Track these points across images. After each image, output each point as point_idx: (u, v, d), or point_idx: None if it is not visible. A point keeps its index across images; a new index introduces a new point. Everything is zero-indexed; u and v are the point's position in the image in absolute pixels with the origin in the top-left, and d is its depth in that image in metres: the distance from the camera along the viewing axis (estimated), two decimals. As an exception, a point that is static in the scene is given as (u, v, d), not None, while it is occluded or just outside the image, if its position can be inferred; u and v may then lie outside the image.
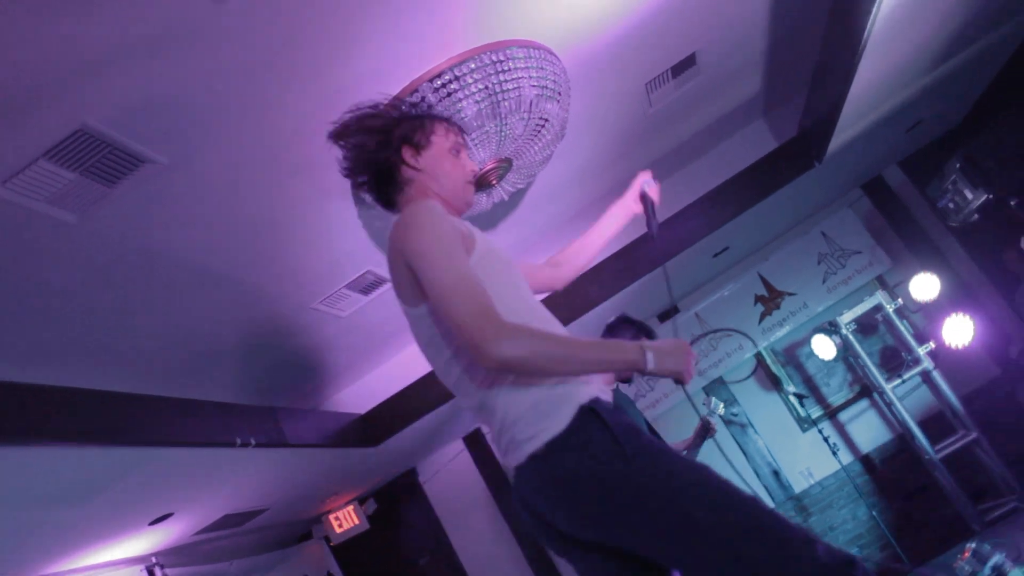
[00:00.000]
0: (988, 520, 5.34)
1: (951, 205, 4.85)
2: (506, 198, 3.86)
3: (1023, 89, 5.25)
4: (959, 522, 5.60)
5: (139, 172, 2.67)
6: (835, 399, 6.50)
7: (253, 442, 3.91)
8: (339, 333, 4.79)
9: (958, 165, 4.64)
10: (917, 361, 5.33)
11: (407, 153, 1.97)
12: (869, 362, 5.48)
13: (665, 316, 6.87)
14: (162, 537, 4.57)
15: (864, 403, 6.41)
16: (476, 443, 6.86)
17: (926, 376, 5.62)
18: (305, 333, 4.56)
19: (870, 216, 6.62)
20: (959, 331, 4.79)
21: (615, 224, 2.52)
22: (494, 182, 3.59)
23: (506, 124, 3.31)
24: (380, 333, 5.14)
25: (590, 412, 1.70)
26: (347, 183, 3.35)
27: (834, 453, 5.73)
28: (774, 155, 5.27)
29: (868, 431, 6.39)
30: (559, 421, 1.69)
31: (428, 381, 5.31)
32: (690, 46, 3.99)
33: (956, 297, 6.09)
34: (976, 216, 4.75)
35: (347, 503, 6.51)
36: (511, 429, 1.73)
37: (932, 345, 5.13)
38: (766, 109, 5.35)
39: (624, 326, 4.08)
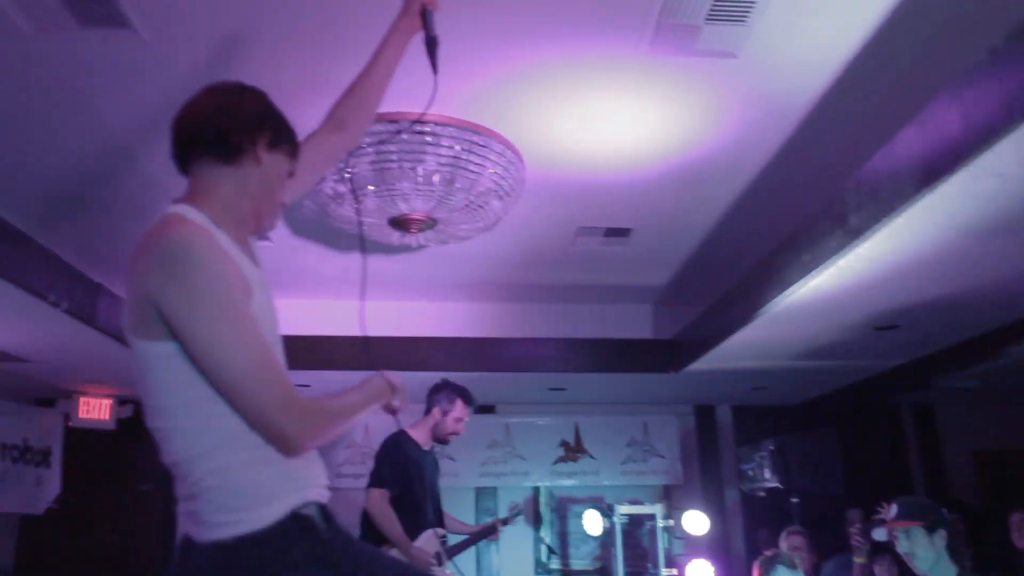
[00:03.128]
0: None
1: (750, 472, 5.37)
2: (413, 246, 4.06)
3: (844, 414, 5.94)
4: None
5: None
6: (578, 564, 6.89)
7: (64, 307, 3.86)
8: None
9: (771, 448, 5.18)
10: (655, 576, 5.77)
11: (262, 144, 1.61)
12: (620, 554, 5.88)
13: (481, 410, 7.13)
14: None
15: (599, 580, 6.83)
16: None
17: (658, 590, 6.06)
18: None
19: (687, 434, 7.16)
20: (701, 573, 5.25)
21: (397, 50, 2.19)
22: (413, 230, 3.79)
23: (452, 195, 3.53)
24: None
25: (301, 519, 1.50)
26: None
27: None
28: (644, 344, 5.71)
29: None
30: (266, 515, 1.46)
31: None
32: (634, 222, 4.36)
33: (715, 541, 6.63)
34: (762, 492, 5.26)
35: (107, 395, 6.35)
36: (200, 500, 1.46)
37: (675, 572, 5.58)
38: (659, 301, 5.81)
39: (445, 389, 4.35)
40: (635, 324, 5.77)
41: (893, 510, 3.18)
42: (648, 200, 4.08)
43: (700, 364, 5.27)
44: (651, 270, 5.14)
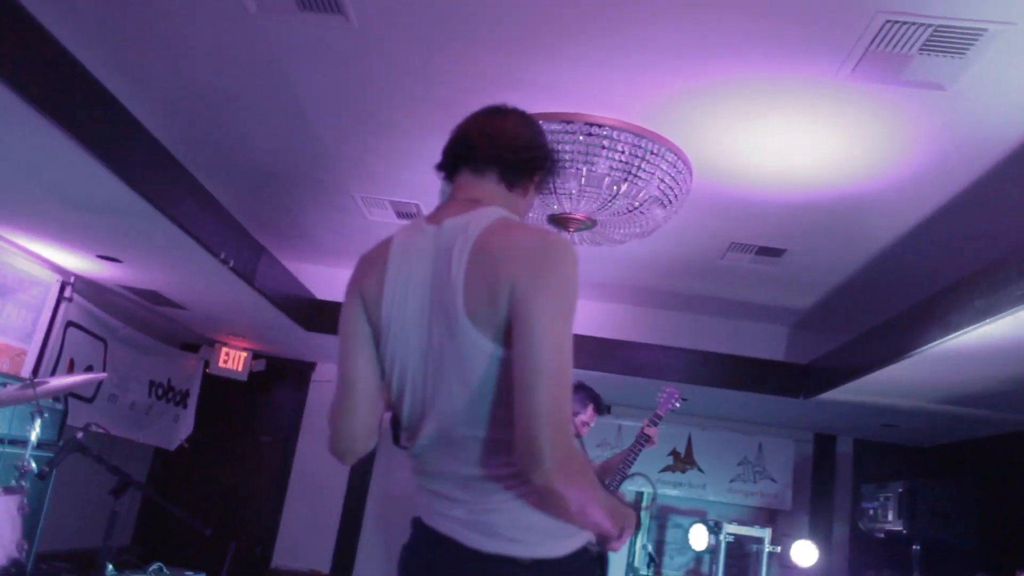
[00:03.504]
0: None
1: (871, 512, 5.20)
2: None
3: (983, 465, 5.65)
4: None
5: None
6: (670, 572, 6.84)
7: (231, 264, 4.08)
8: (352, 227, 5.00)
9: (900, 490, 4.99)
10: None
11: (536, 180, 1.72)
12: (722, 572, 5.81)
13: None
14: (95, 268, 4.71)
15: (692, 593, 6.78)
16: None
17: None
18: (329, 208, 4.76)
19: (803, 461, 6.97)
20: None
21: None
22: (571, 229, 3.82)
23: (617, 199, 3.54)
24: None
25: (592, 555, 1.55)
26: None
27: (634, 609, 6.06)
28: (776, 365, 5.59)
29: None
30: (563, 546, 1.49)
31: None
32: (789, 243, 4.27)
33: (819, 570, 6.46)
34: (882, 535, 5.09)
35: (244, 348, 6.68)
36: (496, 518, 1.47)
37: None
38: (797, 324, 5.67)
39: (580, 392, 4.32)
40: (769, 345, 5.66)
41: None
42: (809, 223, 3.98)
43: (834, 393, 5.12)
44: (796, 293, 5.03)
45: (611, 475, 4.39)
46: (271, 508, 6.89)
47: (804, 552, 5.45)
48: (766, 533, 5.84)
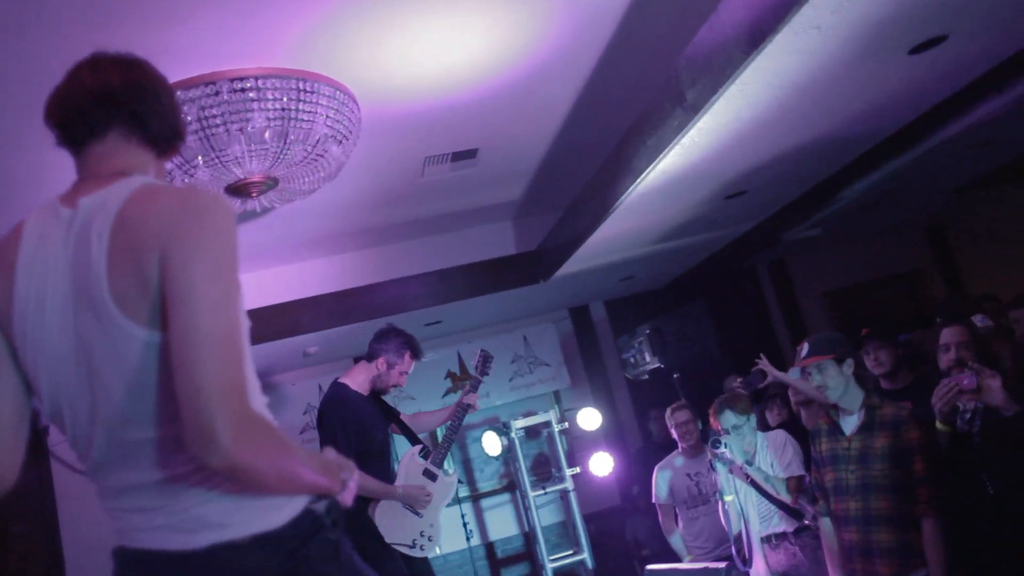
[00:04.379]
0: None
1: (632, 360, 5.56)
2: (258, 210, 3.85)
3: (709, 284, 6.23)
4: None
5: None
6: (484, 486, 7.00)
7: None
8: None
9: (648, 331, 5.37)
10: (562, 479, 5.95)
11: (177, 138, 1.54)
12: (524, 467, 6.01)
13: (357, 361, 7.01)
14: None
15: (506, 497, 6.97)
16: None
17: (564, 493, 6.28)
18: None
19: (567, 337, 7.32)
20: (603, 465, 5.46)
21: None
22: (254, 194, 3.58)
23: (288, 149, 3.34)
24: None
25: (316, 514, 1.43)
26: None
27: (467, 536, 6.16)
28: (509, 260, 5.74)
29: (502, 523, 6.94)
30: (281, 514, 1.38)
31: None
32: (479, 142, 4.30)
33: (610, 433, 6.89)
34: (646, 376, 5.47)
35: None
36: (202, 511, 1.33)
37: (578, 469, 5.76)
38: (517, 215, 5.82)
39: (395, 338, 4.13)
40: (497, 243, 5.78)
41: (804, 349, 3.35)
42: (489, 117, 4.02)
43: (567, 267, 5.35)
44: (504, 186, 5.13)
45: (426, 432, 4.31)
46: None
47: (588, 418, 5.76)
48: (550, 415, 6.09)
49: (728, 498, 3.68)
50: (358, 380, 4.04)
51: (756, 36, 2.61)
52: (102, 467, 1.37)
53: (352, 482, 1.51)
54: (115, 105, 1.44)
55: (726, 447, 3.72)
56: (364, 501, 3.84)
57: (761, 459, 3.96)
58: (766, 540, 3.94)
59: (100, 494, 1.41)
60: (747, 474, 3.87)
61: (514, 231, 5.93)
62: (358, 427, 3.81)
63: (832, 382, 3.29)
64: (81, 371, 1.34)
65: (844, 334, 3.63)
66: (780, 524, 3.92)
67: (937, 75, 3.49)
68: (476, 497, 6.95)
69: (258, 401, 1.36)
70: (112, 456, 1.35)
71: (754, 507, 3.91)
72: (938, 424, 3.22)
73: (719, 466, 3.73)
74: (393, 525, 3.92)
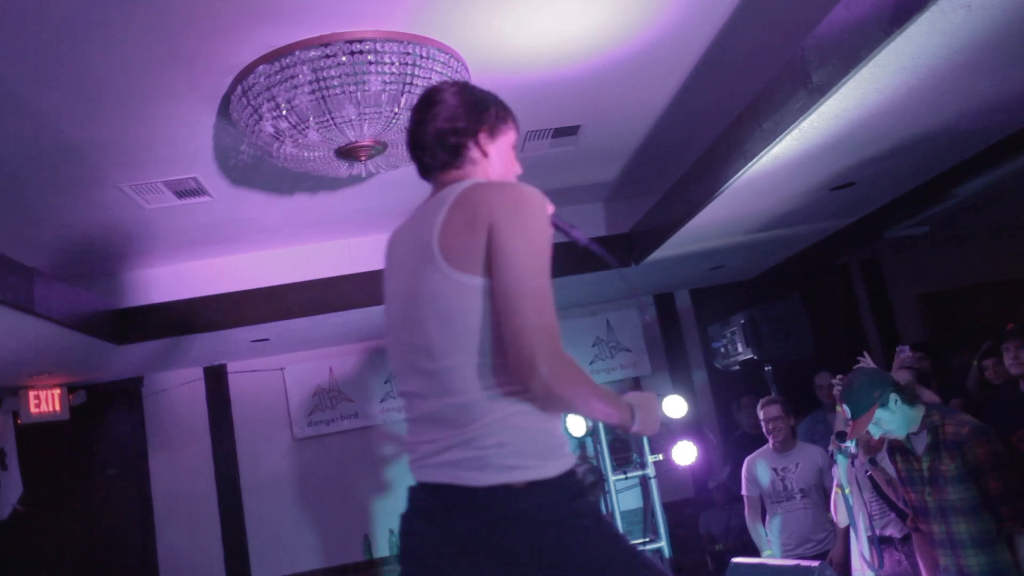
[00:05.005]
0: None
1: (723, 349, 5.45)
2: (364, 175, 3.88)
3: (801, 279, 6.05)
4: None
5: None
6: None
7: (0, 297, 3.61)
8: (131, 221, 4.56)
9: (742, 321, 5.25)
10: (644, 465, 5.89)
11: (483, 135, 1.89)
12: (606, 450, 5.96)
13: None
14: None
15: (580, 481, 6.94)
16: (217, 377, 6.66)
17: (644, 479, 6.21)
18: (98, 208, 4.30)
19: (650, 324, 7.23)
20: (686, 454, 5.37)
21: None
22: (362, 158, 3.61)
23: (401, 114, 3.35)
24: (172, 238, 4.93)
25: (582, 472, 1.74)
26: (211, 87, 3.30)
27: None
28: (601, 241, 5.65)
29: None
30: (554, 466, 1.62)
31: (205, 301, 5.23)
32: (581, 119, 4.25)
33: (689, 422, 6.78)
34: (737, 367, 5.36)
35: (56, 385, 6.05)
36: (487, 447, 1.59)
37: (660, 457, 5.68)
38: (610, 197, 5.75)
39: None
40: (590, 223, 5.71)
41: (846, 413, 3.22)
42: (595, 93, 3.95)
43: (660, 252, 5.26)
44: (601, 167, 5.06)
45: None
46: (141, 543, 6.40)
47: (673, 406, 5.65)
48: (634, 399, 6.01)
49: (846, 490, 3.56)
50: None
51: (900, 15, 2.48)
52: (411, 391, 1.73)
53: (646, 418, 1.76)
54: (436, 148, 1.90)
55: (852, 443, 3.56)
56: None
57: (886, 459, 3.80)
58: (870, 541, 3.81)
59: (407, 420, 1.78)
60: (867, 471, 3.72)
61: (605, 213, 5.86)
62: None
63: (892, 426, 3.18)
64: (404, 307, 1.74)
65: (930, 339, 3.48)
66: (890, 528, 3.79)
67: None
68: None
69: None
70: (421, 381, 1.69)
71: (865, 506, 3.76)
72: None
73: (840, 459, 3.60)
74: None
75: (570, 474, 1.66)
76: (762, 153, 3.57)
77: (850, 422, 3.22)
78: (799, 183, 4.21)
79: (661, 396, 6.03)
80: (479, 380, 1.62)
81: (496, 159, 1.92)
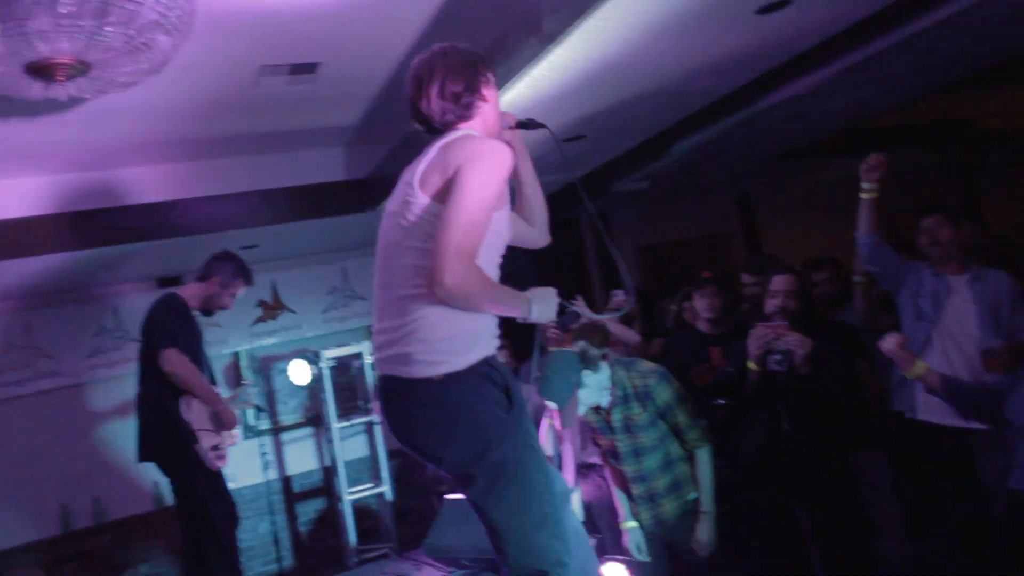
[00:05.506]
0: (362, 559, 6.11)
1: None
2: (63, 99, 3.42)
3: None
4: (340, 554, 6.30)
5: None
6: (287, 419, 6.79)
7: None
8: None
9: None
10: (369, 412, 5.90)
11: (483, 87, 2.36)
12: (331, 399, 5.88)
13: (166, 282, 6.52)
14: None
15: (309, 431, 6.80)
16: None
17: (369, 426, 6.23)
18: None
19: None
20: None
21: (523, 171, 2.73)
22: (59, 78, 3.17)
23: (105, 31, 2.97)
24: None
25: (488, 364, 2.19)
26: None
27: (264, 468, 5.98)
28: (337, 187, 5.50)
29: (302, 456, 6.77)
30: (464, 359, 2.15)
31: None
32: (320, 56, 4.04)
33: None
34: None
35: None
36: (412, 344, 2.14)
37: (384, 401, 5.72)
38: (351, 141, 5.58)
39: (230, 258, 4.49)
40: (327, 168, 5.51)
41: (551, 406, 3.31)
42: (334, 30, 3.75)
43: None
44: (341, 108, 4.87)
45: None
46: None
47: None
48: (362, 346, 5.99)
49: (549, 421, 3.78)
50: (191, 296, 4.24)
51: (623, -32, 2.59)
52: (377, 289, 2.30)
53: (539, 309, 2.18)
54: (438, 113, 2.48)
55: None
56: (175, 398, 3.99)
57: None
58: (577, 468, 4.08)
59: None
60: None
61: (345, 158, 5.68)
62: (188, 330, 4.04)
63: (590, 399, 3.52)
64: (389, 220, 2.34)
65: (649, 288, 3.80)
66: (594, 455, 4.05)
67: (775, 39, 3.66)
68: (278, 430, 6.73)
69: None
70: (381, 279, 2.29)
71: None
72: (750, 363, 3.48)
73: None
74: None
75: (479, 364, 2.17)
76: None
77: (557, 414, 3.40)
78: (531, 134, 4.31)
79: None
80: (413, 279, 2.14)
81: (492, 104, 2.38)
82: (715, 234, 8.44)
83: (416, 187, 2.17)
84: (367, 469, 6.66)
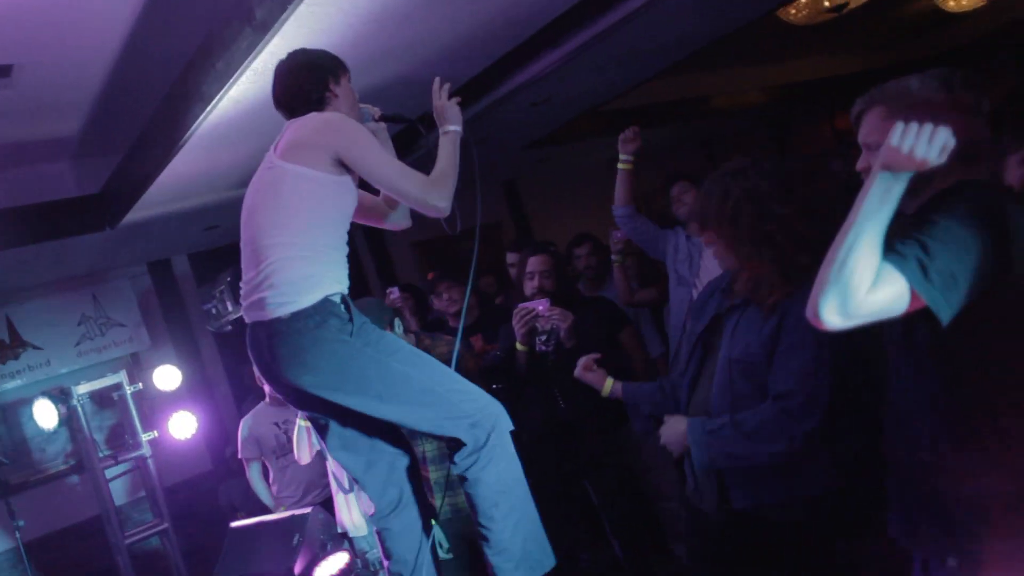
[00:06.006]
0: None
1: (213, 311, 5.19)
2: None
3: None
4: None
5: None
6: (52, 467, 6.14)
7: None
8: None
9: (228, 279, 5.05)
10: (138, 446, 5.41)
11: (332, 83, 2.67)
12: (90, 438, 5.35)
13: None
14: None
15: (78, 477, 6.17)
16: None
17: (142, 461, 5.72)
18: None
19: (146, 294, 6.68)
20: (183, 426, 5.05)
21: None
22: None
23: None
24: None
25: (329, 302, 2.39)
26: None
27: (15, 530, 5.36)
28: (68, 203, 5.00)
29: (74, 504, 6.13)
30: (308, 299, 2.35)
31: None
32: (10, 57, 3.62)
33: (198, 390, 6.44)
34: (229, 327, 5.15)
35: None
36: (265, 289, 2.37)
37: (156, 434, 5.27)
38: (78, 154, 5.10)
39: None
40: (55, 185, 5.01)
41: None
42: (27, 29, 3.38)
43: (137, 213, 4.81)
44: (51, 118, 4.42)
45: None
46: None
47: (165, 376, 5.27)
48: (120, 376, 5.50)
49: (303, 423, 3.66)
50: None
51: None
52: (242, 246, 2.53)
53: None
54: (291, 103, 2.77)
55: None
56: None
57: None
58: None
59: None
60: None
61: (75, 173, 5.18)
62: None
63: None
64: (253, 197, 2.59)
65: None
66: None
67: (503, 23, 3.69)
68: (39, 481, 6.06)
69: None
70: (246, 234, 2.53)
71: None
72: (517, 345, 3.50)
73: None
74: None
75: (322, 302, 2.37)
76: (219, 96, 3.37)
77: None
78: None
79: (160, 366, 5.62)
80: (270, 230, 2.42)
81: (344, 96, 2.68)
82: (485, 224, 8.54)
83: (276, 158, 2.49)
84: (148, 509, 6.12)
